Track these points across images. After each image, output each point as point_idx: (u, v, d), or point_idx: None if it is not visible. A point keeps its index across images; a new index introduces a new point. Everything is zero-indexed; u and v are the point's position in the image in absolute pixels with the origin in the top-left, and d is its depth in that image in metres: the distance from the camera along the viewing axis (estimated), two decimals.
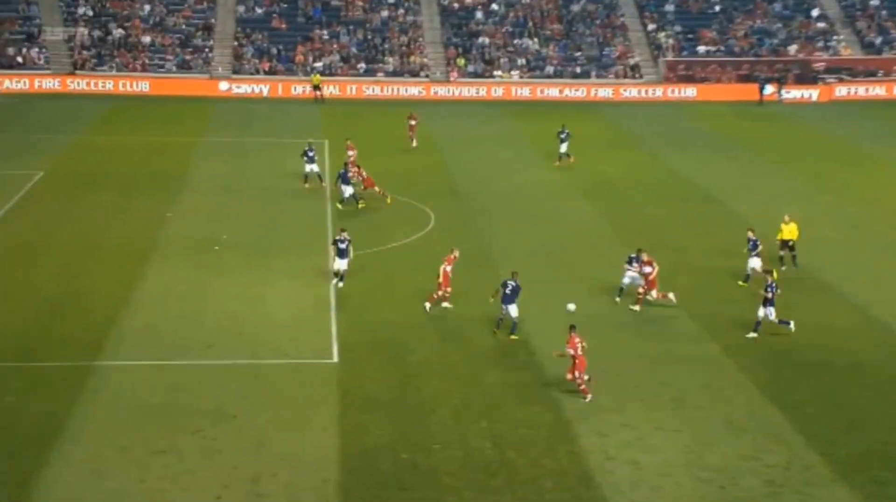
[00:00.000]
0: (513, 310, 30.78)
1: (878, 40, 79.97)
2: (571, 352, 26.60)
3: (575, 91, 75.59)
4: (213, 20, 78.70)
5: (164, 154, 54.20)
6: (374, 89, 74.47)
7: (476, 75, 76.96)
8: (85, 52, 75.15)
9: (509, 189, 48.90)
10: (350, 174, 44.38)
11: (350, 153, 48.60)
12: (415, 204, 45.31)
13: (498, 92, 75.40)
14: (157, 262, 36.84)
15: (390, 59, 77.32)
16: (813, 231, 39.95)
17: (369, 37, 78.90)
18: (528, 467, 23.55)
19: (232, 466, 23.18)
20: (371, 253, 37.96)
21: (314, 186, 46.64)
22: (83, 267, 36.26)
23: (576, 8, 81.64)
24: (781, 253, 36.92)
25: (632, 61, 78.43)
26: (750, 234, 35.36)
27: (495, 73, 77.08)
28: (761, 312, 30.97)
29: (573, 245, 37.84)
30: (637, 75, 77.66)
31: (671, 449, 24.47)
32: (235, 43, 77.47)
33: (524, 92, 75.57)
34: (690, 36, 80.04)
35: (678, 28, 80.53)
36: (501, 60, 77.82)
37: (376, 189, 45.06)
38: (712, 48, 79.21)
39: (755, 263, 34.87)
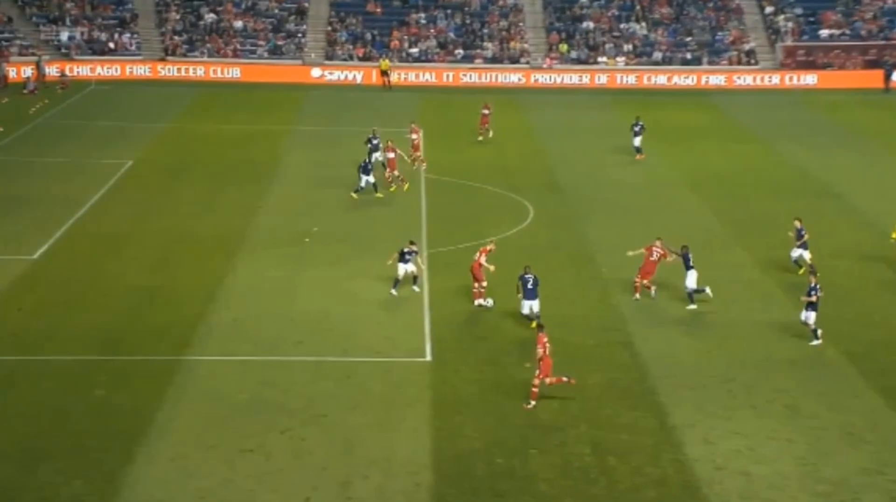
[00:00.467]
0: (535, 305, 30.90)
1: None
2: (540, 352, 26.30)
3: (684, 79, 74.67)
4: (306, 4, 79.66)
5: (255, 143, 55.07)
6: (471, 76, 74.59)
7: (579, 62, 76.53)
8: (176, 38, 76.76)
9: (612, 181, 48.54)
10: (390, 155, 45.18)
11: (414, 136, 49.21)
12: (512, 196, 45.26)
13: (602, 79, 74.86)
14: (246, 255, 37.44)
15: (489, 45, 77.33)
16: None
17: (468, 21, 79.01)
18: (629, 475, 23.34)
19: (321, 467, 23.44)
20: (466, 248, 38.02)
21: (378, 176, 46.85)
22: (171, 259, 37.05)
23: None
24: None
25: (747, 46, 77.12)
26: (797, 224, 35.46)
27: (600, 59, 76.54)
28: (803, 316, 30.18)
29: (678, 241, 37.27)
30: (752, 61, 76.37)
31: (785, 459, 24.02)
32: (329, 28, 78.33)
33: (630, 79, 74.89)
34: (812, 19, 78.35)
35: (798, 10, 78.88)
36: (606, 46, 77.23)
37: (396, 173, 45.66)
38: (836, 31, 77.40)
39: (803, 254, 35.01)
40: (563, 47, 77.03)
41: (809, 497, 22.59)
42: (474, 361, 29.05)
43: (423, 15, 79.21)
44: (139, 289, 34.06)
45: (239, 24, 77.99)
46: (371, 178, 44.07)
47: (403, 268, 33.37)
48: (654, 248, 33.45)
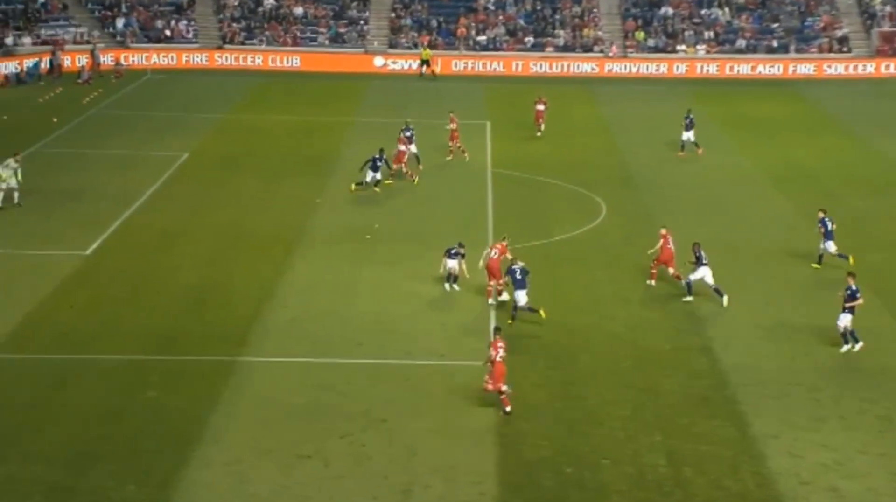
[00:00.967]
0: (522, 296, 31.18)
1: None
2: (492, 355, 26.14)
3: (770, 68, 73.83)
4: None
5: (314, 135, 55.48)
6: (542, 66, 74.37)
7: (657, 50, 76.02)
8: (234, 25, 77.57)
9: (690, 176, 48.19)
10: (401, 147, 45.69)
11: (452, 126, 49.51)
12: (584, 192, 45.10)
13: (681, 69, 74.27)
14: (305, 252, 37.73)
15: (561, 33, 77.10)
16: None
17: (538, 7, 78.85)
18: (707, 488, 23.16)
19: (382, 475, 23.56)
20: (534, 246, 37.95)
21: (411, 168, 46.84)
22: (227, 255, 37.45)
23: None
24: None
25: (839, 33, 76.05)
26: (821, 215, 35.60)
27: (679, 47, 75.94)
28: (841, 321, 29.76)
29: (759, 240, 37.00)
30: (845, 49, 75.28)
31: (878, 475, 23.67)
32: (393, 14, 78.63)
33: (711, 69, 74.22)
34: None
35: None
36: (686, 33, 76.61)
37: (402, 167, 45.99)
38: None
39: (830, 247, 35.49)
40: (640, 35, 76.53)
41: None
42: (542, 365, 29.01)
43: (491, 1, 79.18)
44: (193, 286, 34.48)
45: (299, 10, 78.60)
46: (378, 175, 43.97)
47: (451, 264, 33.78)
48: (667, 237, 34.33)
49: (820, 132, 57.72)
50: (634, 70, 74.42)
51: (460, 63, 74.41)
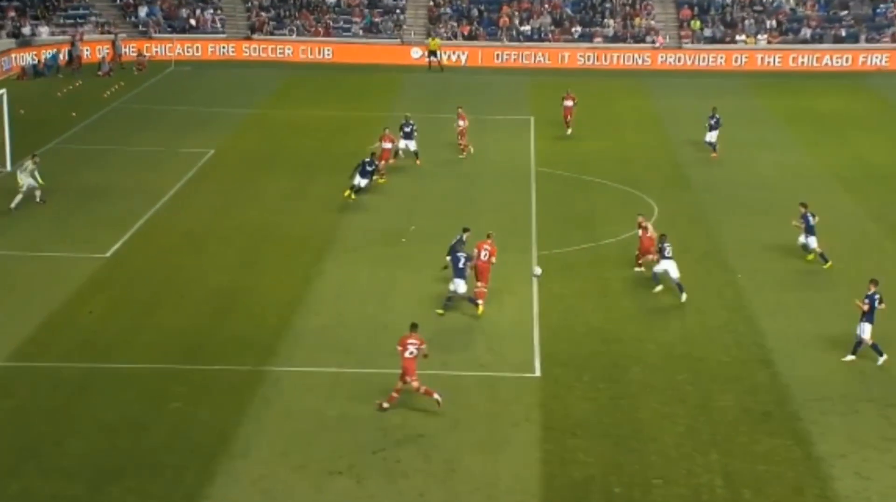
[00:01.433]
0: (462, 285, 32.00)
1: None
2: (399, 349, 26.70)
3: (838, 59, 73.35)
4: None
5: (347, 131, 55.65)
6: (590, 57, 74.29)
7: (714, 40, 75.70)
8: (263, 14, 78.01)
9: (749, 176, 48.00)
10: (386, 145, 46.14)
11: (460, 123, 49.66)
12: (634, 192, 45.01)
13: (740, 60, 73.97)
14: (337, 255, 37.89)
15: (611, 22, 76.98)
16: None
17: None
18: None
19: (418, 493, 23.62)
20: (582, 250, 37.90)
21: (409, 164, 46.79)
22: (255, 258, 37.67)
23: None
24: None
25: None
26: (802, 210, 36.73)
27: (738, 37, 75.60)
28: (859, 329, 29.57)
29: (825, 245, 36.73)
30: None
31: None
32: (431, 3, 78.77)
33: (773, 60, 73.87)
34: None
35: None
36: (746, 22, 76.25)
37: (390, 162, 46.65)
38: None
39: (812, 242, 36.60)
40: (696, 24, 76.25)
41: None
42: (589, 377, 28.99)
43: None
44: (220, 291, 34.71)
45: None
46: (366, 181, 43.36)
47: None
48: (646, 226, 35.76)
49: (892, 128, 57.30)
50: (690, 62, 74.16)
51: (503, 55, 74.43)
